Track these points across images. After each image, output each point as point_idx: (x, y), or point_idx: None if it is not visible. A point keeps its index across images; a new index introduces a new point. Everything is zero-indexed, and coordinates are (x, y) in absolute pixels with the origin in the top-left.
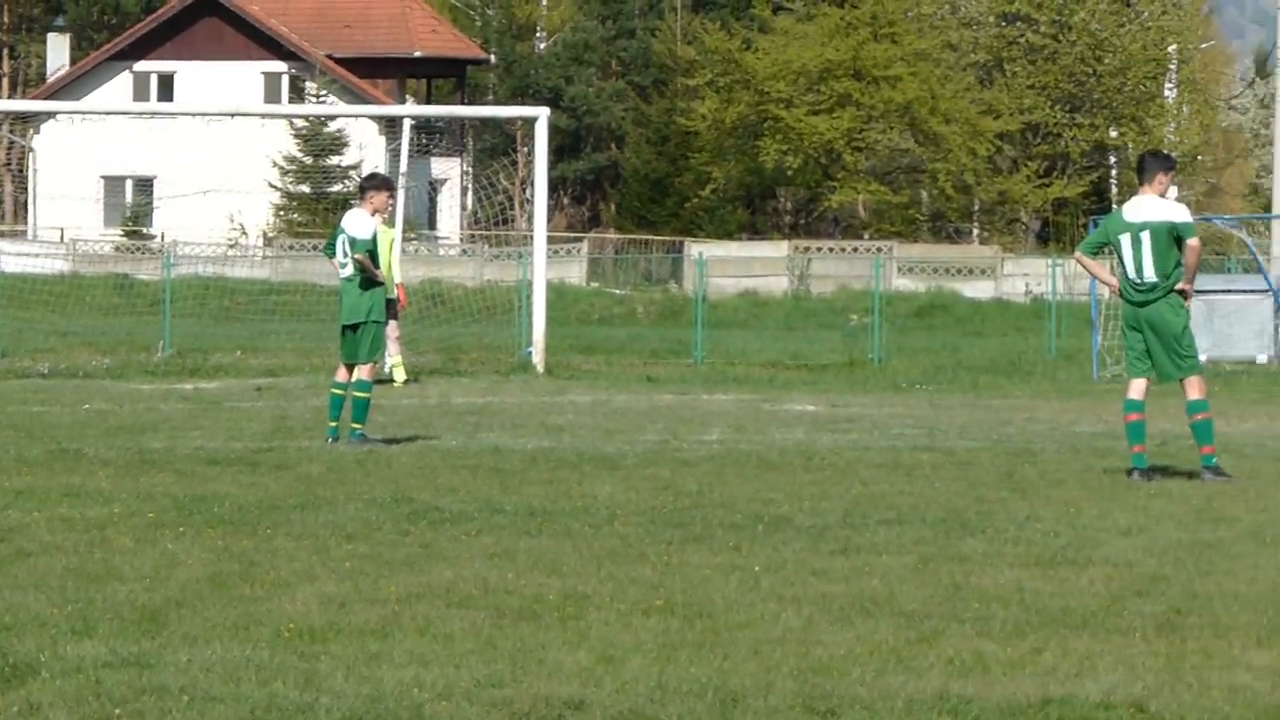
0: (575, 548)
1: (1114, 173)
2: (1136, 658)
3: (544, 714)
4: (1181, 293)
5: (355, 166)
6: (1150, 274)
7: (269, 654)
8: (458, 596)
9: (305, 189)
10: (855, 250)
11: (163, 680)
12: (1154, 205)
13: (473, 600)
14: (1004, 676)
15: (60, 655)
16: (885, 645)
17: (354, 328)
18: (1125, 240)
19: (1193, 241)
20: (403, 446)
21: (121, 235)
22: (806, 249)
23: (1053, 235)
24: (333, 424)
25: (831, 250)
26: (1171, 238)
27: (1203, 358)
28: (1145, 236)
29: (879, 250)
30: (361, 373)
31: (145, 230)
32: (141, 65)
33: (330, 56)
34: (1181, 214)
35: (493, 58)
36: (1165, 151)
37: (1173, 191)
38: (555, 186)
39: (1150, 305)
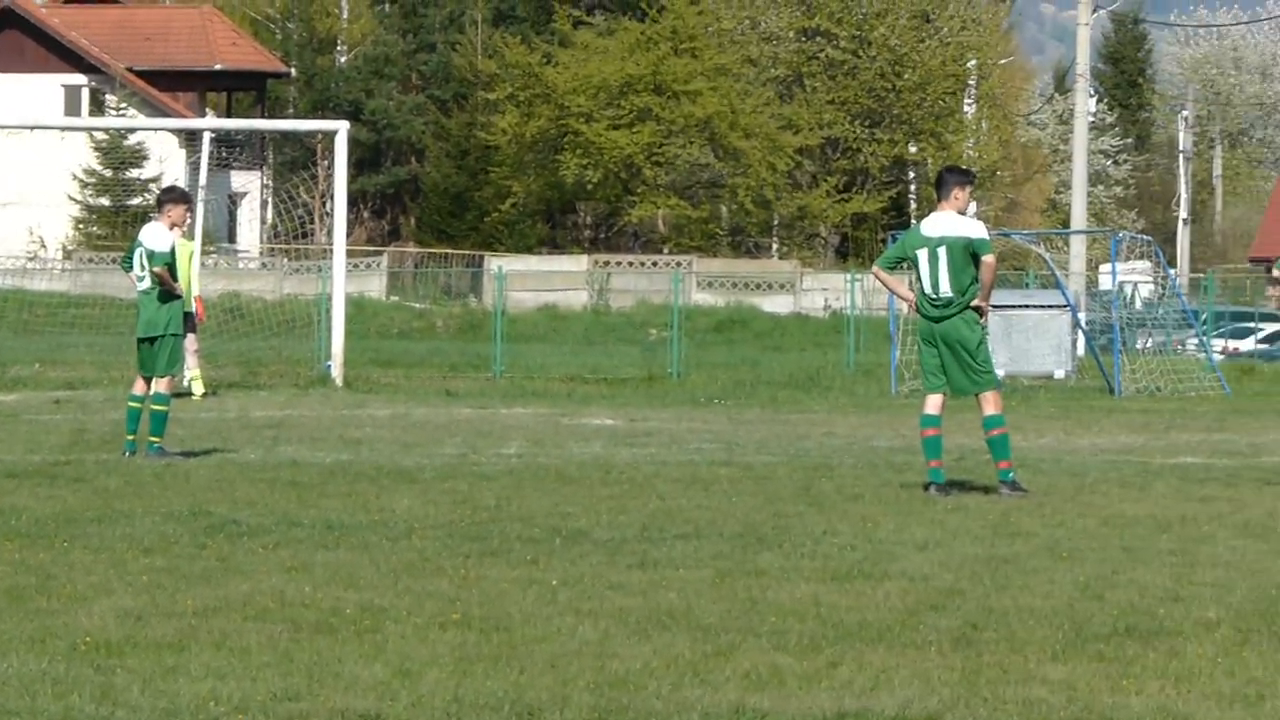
0: (372, 561)
1: (913, 188)
2: (932, 672)
3: None
4: (977, 309)
5: (155, 179)
6: (946, 289)
7: (65, 667)
8: (254, 610)
9: (105, 202)
10: (655, 265)
11: None
12: (951, 221)
13: (269, 613)
14: (800, 690)
15: None
16: (682, 659)
17: (151, 340)
18: (922, 255)
19: (988, 258)
20: (201, 460)
21: None
22: (606, 263)
23: (852, 250)
24: (130, 437)
25: (631, 265)
26: (968, 254)
27: (1001, 373)
28: (942, 252)
29: (678, 265)
30: (159, 386)
31: None
32: None
33: (131, 69)
34: (978, 230)
35: (293, 71)
36: (964, 167)
37: (972, 207)
38: (355, 200)
39: (946, 320)
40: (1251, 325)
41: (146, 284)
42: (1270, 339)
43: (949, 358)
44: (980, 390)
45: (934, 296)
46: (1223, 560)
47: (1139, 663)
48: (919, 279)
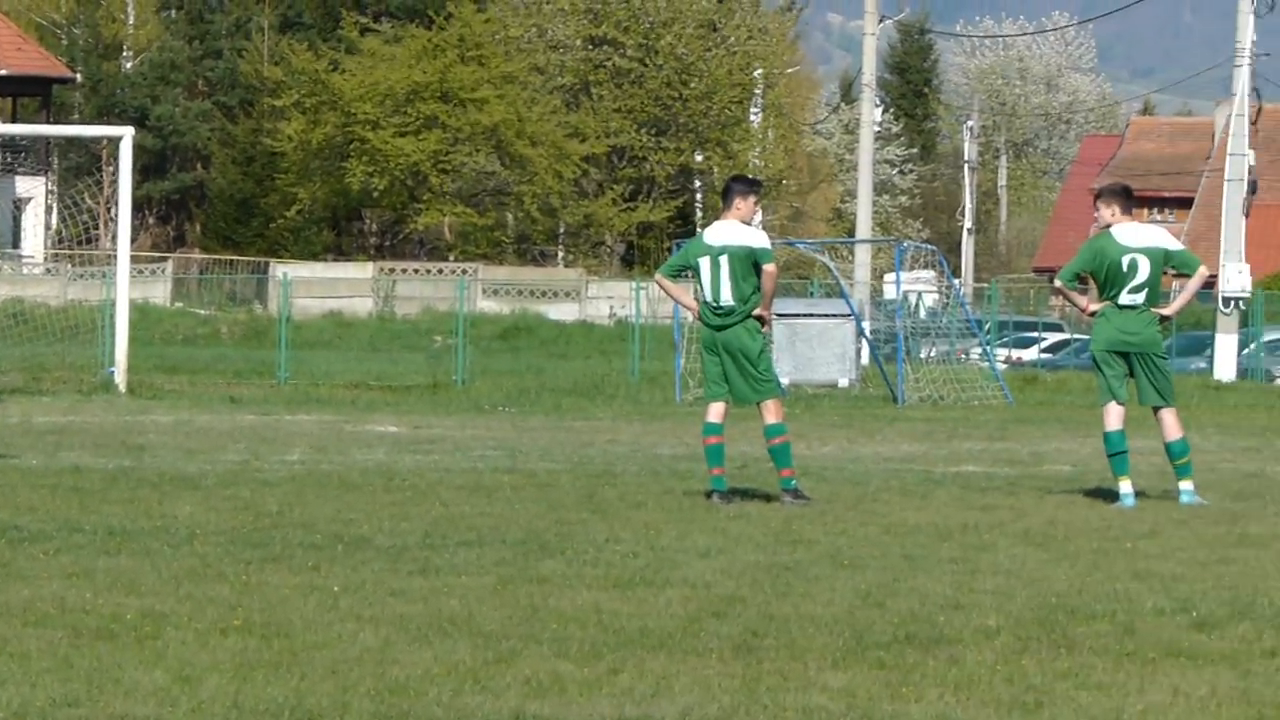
0: (154, 567)
1: (699, 196)
2: (713, 679)
3: None
4: (759, 318)
5: None
6: (728, 298)
7: None
8: (35, 615)
9: None
10: (440, 272)
11: None
12: (734, 230)
13: (50, 619)
14: (581, 697)
15: None
16: (463, 665)
17: None
18: (705, 264)
19: (769, 267)
20: None
21: None
22: (391, 270)
23: (637, 259)
24: None
25: (417, 272)
26: (750, 263)
27: (785, 381)
28: (724, 261)
29: (464, 272)
30: None
31: None
32: None
33: None
34: (760, 240)
35: (79, 76)
36: (749, 176)
37: (758, 216)
38: (140, 206)
39: (728, 329)
40: (1035, 335)
41: None
42: (1053, 348)
43: (731, 366)
44: (762, 399)
45: (716, 305)
46: (1003, 568)
47: (919, 670)
48: (701, 288)
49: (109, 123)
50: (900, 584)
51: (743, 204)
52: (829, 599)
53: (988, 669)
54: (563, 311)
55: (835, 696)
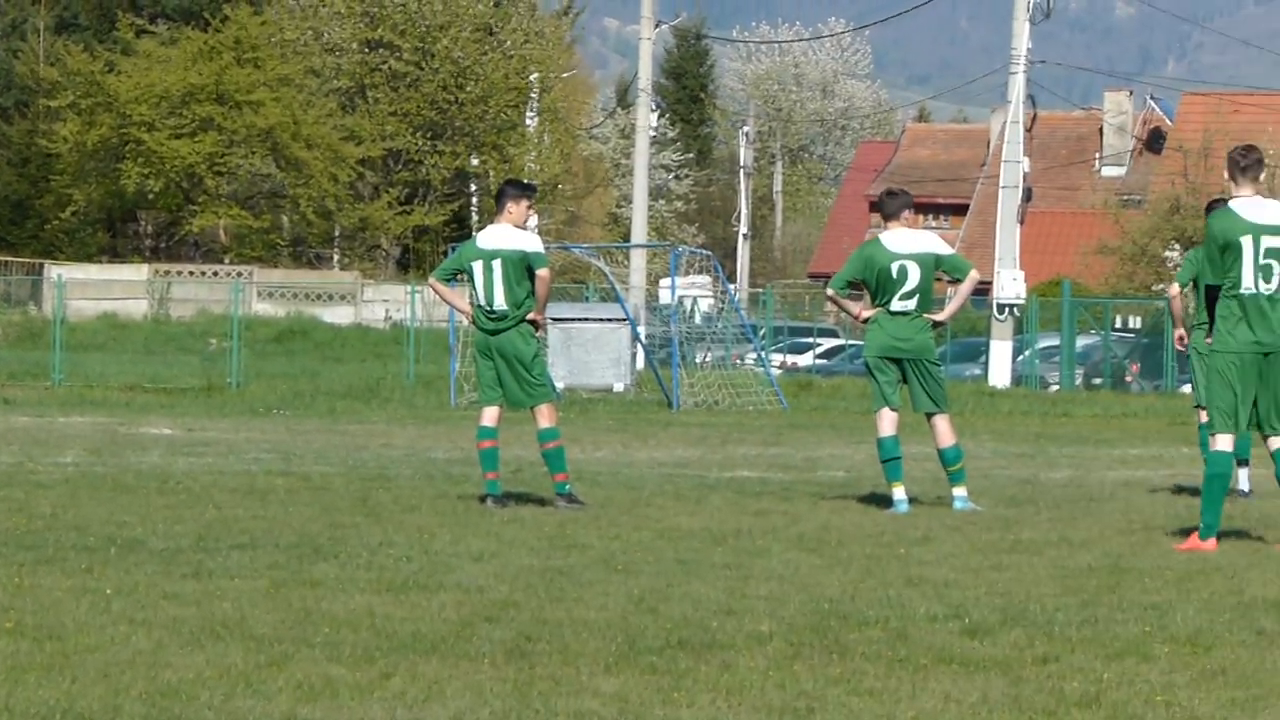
0: None
1: (475, 200)
2: (485, 683)
3: None
4: (533, 322)
5: None
6: (501, 302)
7: None
8: None
9: None
10: (215, 274)
11: None
12: (508, 234)
13: None
14: (352, 701)
15: None
16: (235, 669)
17: None
18: (478, 268)
19: (543, 272)
20: None
21: None
22: (167, 272)
23: (413, 262)
24: None
25: (192, 274)
26: (524, 267)
27: (560, 385)
28: (497, 265)
29: (239, 275)
30: None
31: None
32: None
33: None
34: (534, 244)
35: None
36: (524, 180)
37: (533, 220)
38: None
39: (502, 334)
40: (810, 340)
41: None
42: (828, 354)
43: (505, 370)
44: (536, 403)
45: (489, 309)
46: (776, 574)
47: (691, 675)
48: (474, 292)
49: None
50: (673, 589)
51: (515, 208)
52: (602, 604)
53: (760, 675)
54: (338, 315)
55: (607, 701)
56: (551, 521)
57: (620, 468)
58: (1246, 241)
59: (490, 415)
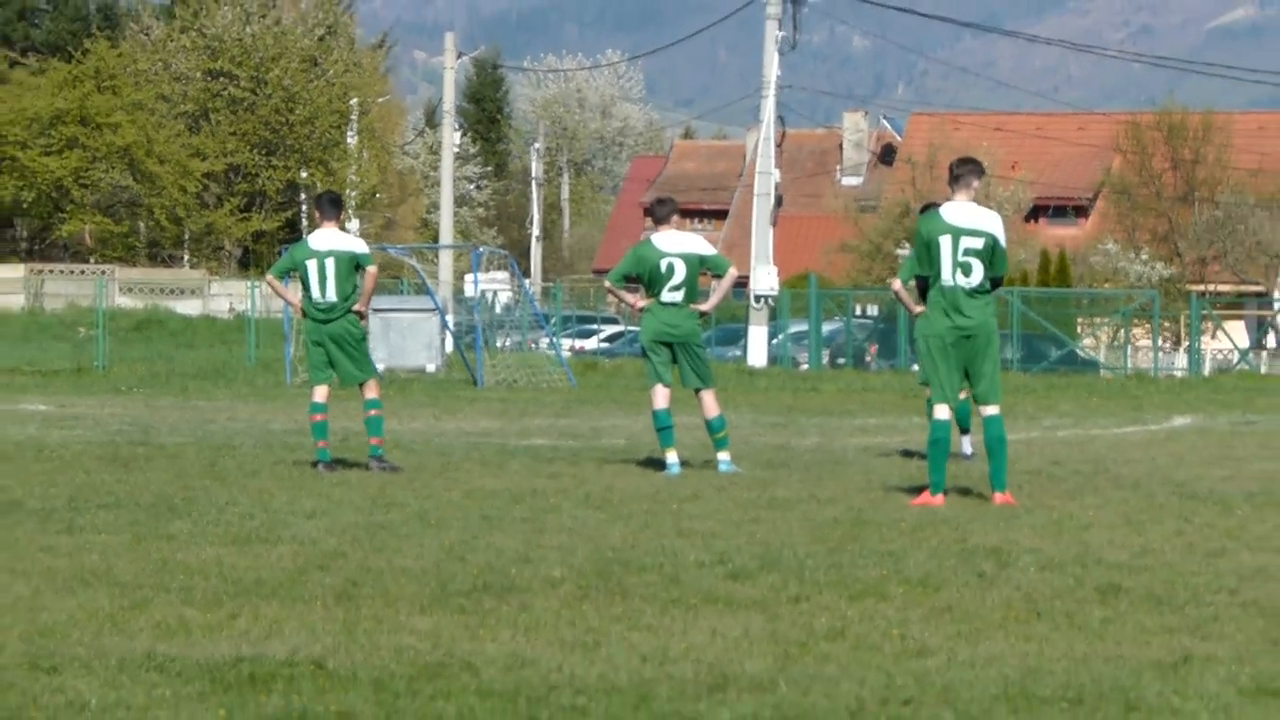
0: None
1: (304, 208)
2: (317, 623)
3: None
4: (358, 313)
5: None
6: (332, 295)
7: None
8: None
9: None
10: (83, 272)
11: None
12: (337, 237)
13: None
14: (204, 639)
15: None
16: (102, 612)
17: None
18: (312, 266)
19: (371, 269)
20: None
21: None
22: (40, 271)
23: (253, 261)
24: None
25: (63, 273)
26: (353, 265)
27: (381, 367)
28: (330, 263)
29: (103, 273)
30: None
31: None
32: None
33: None
34: (361, 245)
35: None
36: (337, 193)
37: (355, 225)
38: None
39: (332, 323)
40: (594, 327)
41: None
42: (610, 339)
43: (336, 353)
44: (364, 379)
45: (321, 302)
46: (567, 527)
47: (494, 615)
48: (307, 287)
49: None
50: (479, 541)
51: (335, 216)
52: (418, 553)
53: (553, 614)
54: (189, 307)
55: (422, 637)
56: (374, 484)
57: (432, 437)
58: (945, 241)
59: (320, 393)
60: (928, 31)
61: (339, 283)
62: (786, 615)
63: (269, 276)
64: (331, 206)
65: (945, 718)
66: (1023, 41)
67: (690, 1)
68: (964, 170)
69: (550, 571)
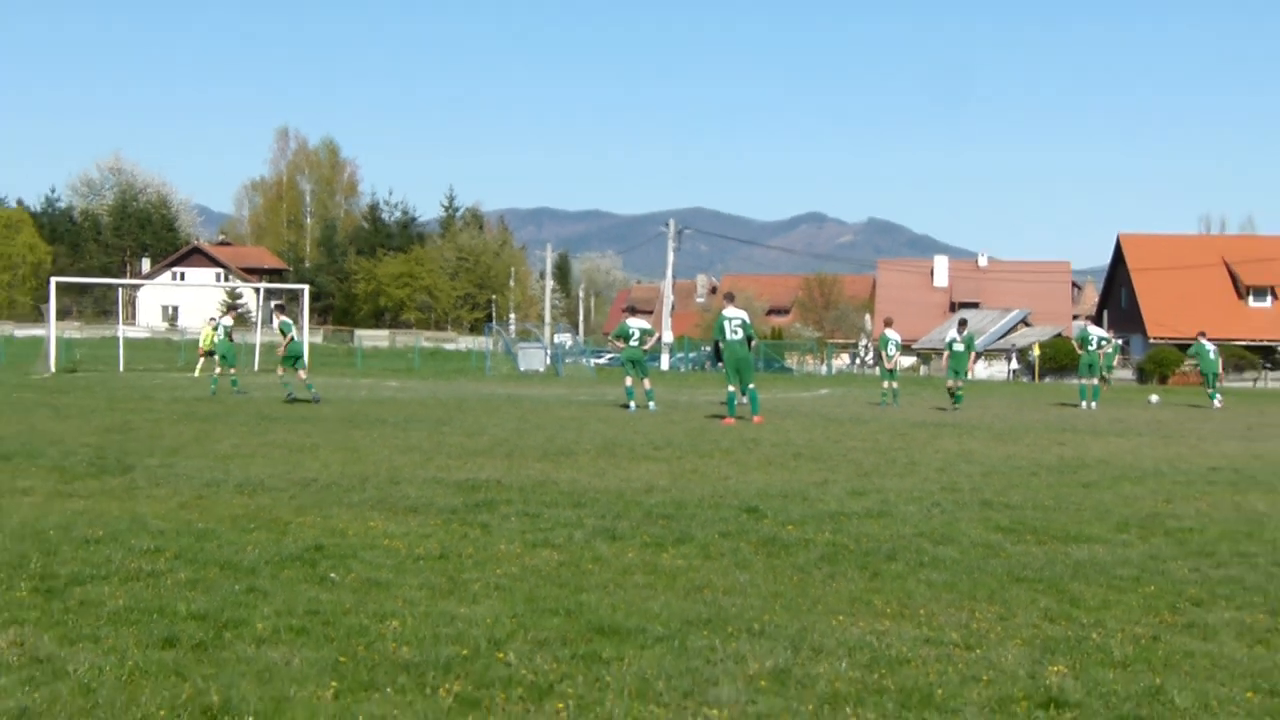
0: None
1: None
2: (531, 467)
3: None
4: (646, 350)
5: None
6: (635, 343)
7: None
8: None
9: None
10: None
11: None
12: (639, 320)
13: None
14: (458, 472)
15: None
16: (428, 463)
17: None
18: (633, 325)
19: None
20: None
21: None
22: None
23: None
24: None
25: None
26: (642, 331)
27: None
28: (633, 326)
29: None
30: None
31: None
32: None
33: None
34: (646, 325)
35: None
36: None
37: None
38: None
39: (634, 351)
40: (604, 354)
41: None
42: (610, 359)
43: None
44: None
45: (633, 346)
46: (594, 430)
47: (563, 464)
48: (627, 337)
49: None
50: (562, 432)
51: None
52: (547, 435)
53: (587, 463)
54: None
55: (542, 470)
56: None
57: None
58: (726, 323)
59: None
60: None
61: (641, 337)
62: (676, 463)
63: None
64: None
65: (730, 504)
66: None
67: None
68: (729, 296)
69: (585, 446)
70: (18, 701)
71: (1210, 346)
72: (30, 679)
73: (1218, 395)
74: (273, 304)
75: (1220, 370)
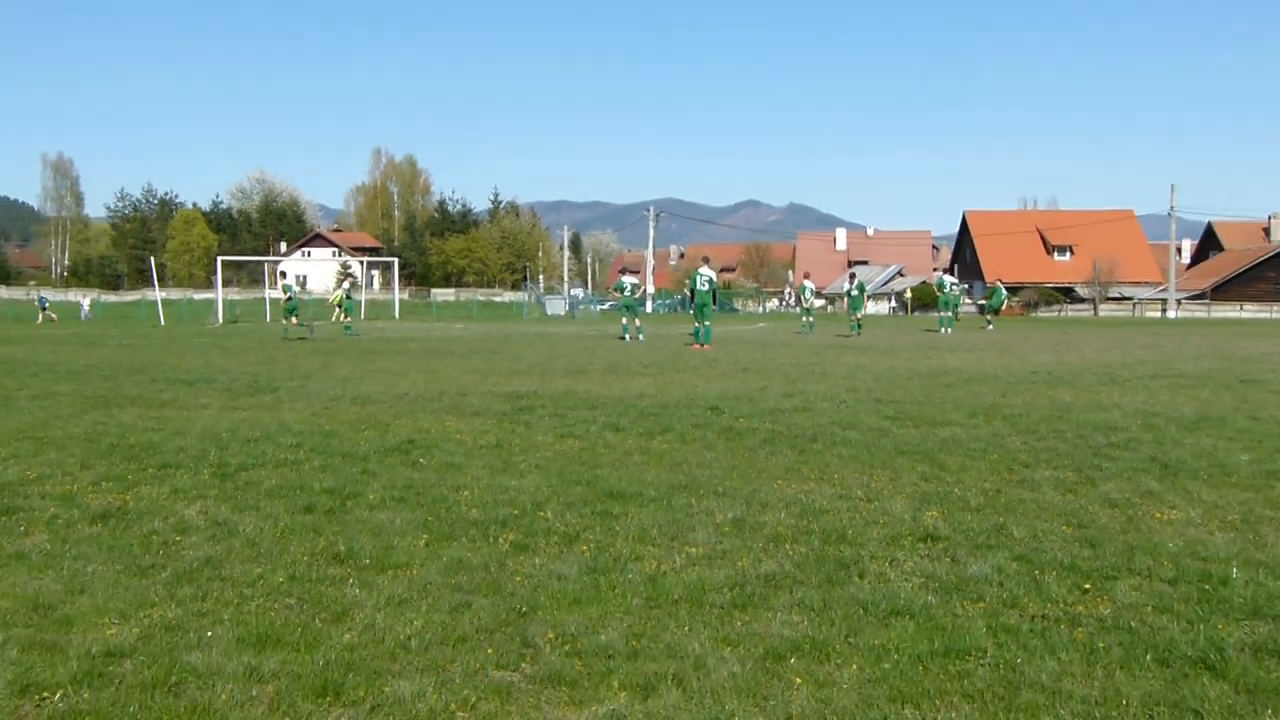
0: None
1: (526, 274)
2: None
3: None
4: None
5: None
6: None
7: None
8: None
9: None
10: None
11: None
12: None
13: None
14: (504, 385)
15: None
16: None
17: None
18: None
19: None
20: None
21: None
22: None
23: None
24: None
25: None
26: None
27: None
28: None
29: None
30: None
31: None
32: None
33: None
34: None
35: None
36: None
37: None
38: None
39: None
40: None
41: None
42: (610, 305)
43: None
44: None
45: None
46: (615, 352)
47: (603, 381)
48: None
49: None
50: (613, 361)
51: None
52: (600, 358)
53: (597, 378)
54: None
55: (587, 387)
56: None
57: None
58: (699, 278)
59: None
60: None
61: (632, 289)
62: (660, 377)
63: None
64: (624, 271)
65: (699, 405)
66: None
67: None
68: (705, 259)
69: (595, 367)
70: (205, 552)
71: (1002, 289)
72: (212, 536)
73: (990, 323)
74: (342, 275)
75: (1003, 306)
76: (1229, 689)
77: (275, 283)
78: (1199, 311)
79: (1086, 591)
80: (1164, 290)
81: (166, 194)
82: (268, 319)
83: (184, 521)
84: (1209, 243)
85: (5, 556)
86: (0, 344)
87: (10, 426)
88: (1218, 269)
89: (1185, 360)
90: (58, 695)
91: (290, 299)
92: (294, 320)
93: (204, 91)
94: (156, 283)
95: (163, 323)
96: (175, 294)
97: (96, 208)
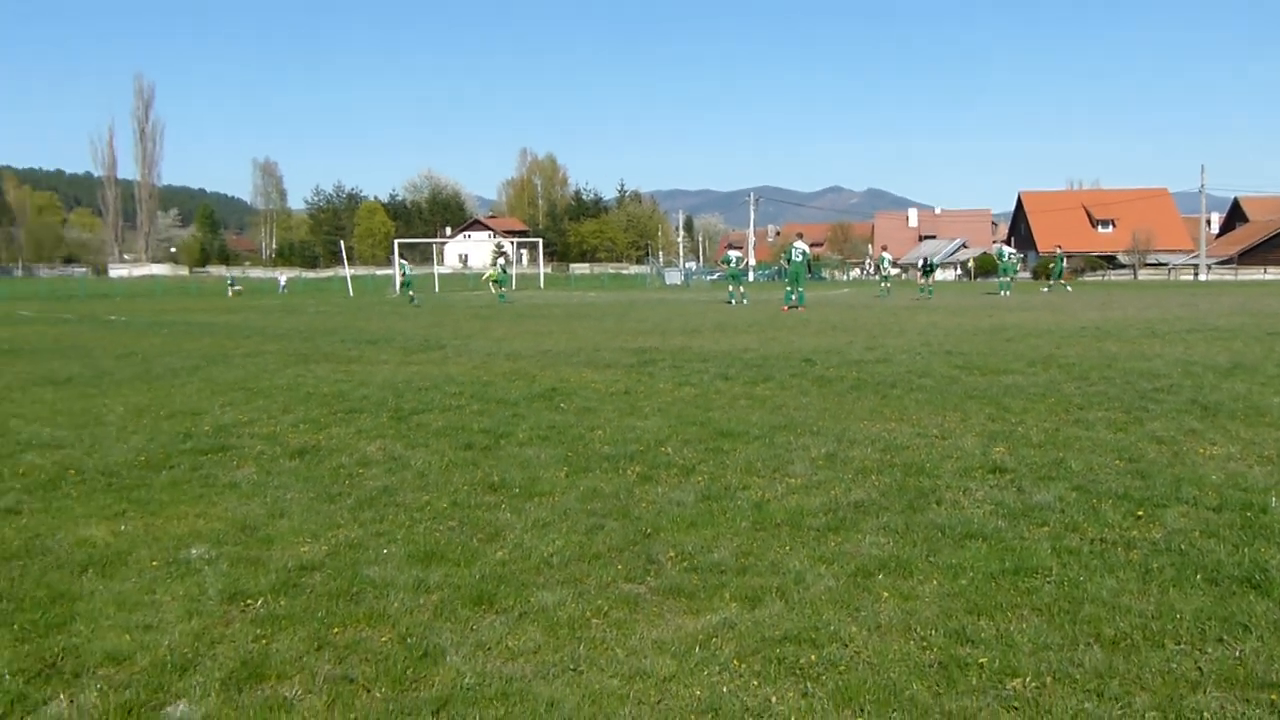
0: None
1: (648, 251)
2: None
3: None
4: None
5: None
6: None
7: None
8: None
9: None
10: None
11: None
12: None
13: None
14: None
15: None
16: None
17: None
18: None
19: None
20: None
21: None
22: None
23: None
24: None
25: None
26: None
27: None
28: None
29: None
30: None
31: None
32: None
33: None
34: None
35: None
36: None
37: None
38: None
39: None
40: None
41: None
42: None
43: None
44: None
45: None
46: (661, 315)
47: (662, 338)
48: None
49: None
50: (685, 323)
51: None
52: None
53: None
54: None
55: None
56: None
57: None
58: (795, 251)
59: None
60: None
61: (737, 261)
62: (761, 335)
63: (719, 261)
64: (730, 247)
65: (795, 358)
66: None
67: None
68: (799, 235)
69: (707, 326)
70: (382, 482)
71: (1062, 255)
72: (389, 469)
73: (1049, 287)
74: (496, 253)
75: (1064, 271)
76: (1273, 605)
77: (468, 262)
78: (1227, 275)
79: (1139, 518)
80: (1196, 257)
81: (353, 189)
82: (436, 290)
83: (366, 457)
84: (1235, 215)
85: (221, 486)
86: (220, 313)
87: (227, 379)
88: (1244, 238)
89: (1218, 316)
90: (259, 602)
91: (501, 271)
92: (499, 288)
93: (383, 104)
94: (346, 262)
95: (352, 294)
96: (361, 270)
97: (297, 201)
